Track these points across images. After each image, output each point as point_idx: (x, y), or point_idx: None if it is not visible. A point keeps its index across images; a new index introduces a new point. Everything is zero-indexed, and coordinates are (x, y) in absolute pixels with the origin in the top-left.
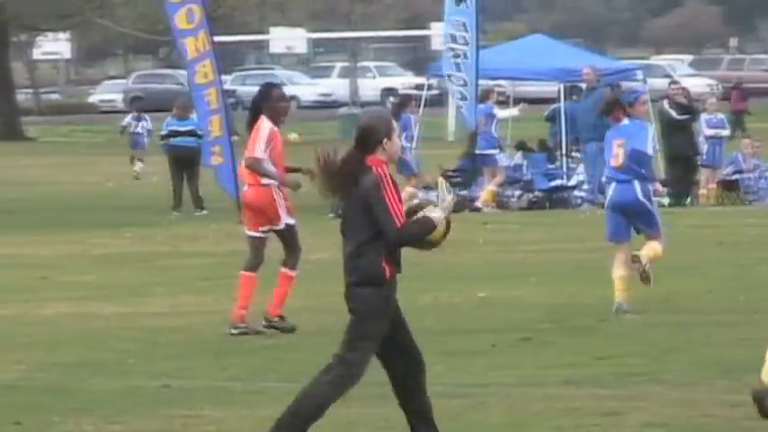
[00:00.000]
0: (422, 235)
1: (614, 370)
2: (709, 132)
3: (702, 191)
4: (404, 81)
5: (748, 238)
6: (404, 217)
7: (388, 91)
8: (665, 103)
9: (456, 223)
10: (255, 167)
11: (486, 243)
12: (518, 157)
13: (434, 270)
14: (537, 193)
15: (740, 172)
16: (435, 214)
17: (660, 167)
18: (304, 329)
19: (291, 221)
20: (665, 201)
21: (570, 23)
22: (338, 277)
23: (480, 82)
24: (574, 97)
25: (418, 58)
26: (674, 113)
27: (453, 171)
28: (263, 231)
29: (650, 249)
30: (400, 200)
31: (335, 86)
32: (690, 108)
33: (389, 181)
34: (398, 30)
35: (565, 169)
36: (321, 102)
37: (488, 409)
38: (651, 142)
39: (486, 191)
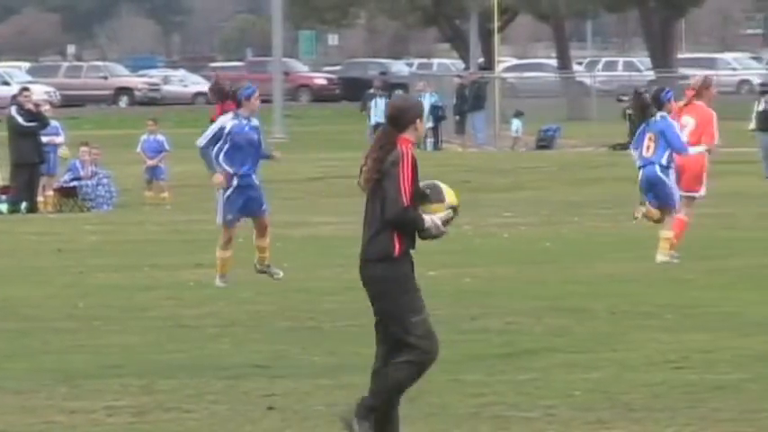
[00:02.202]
0: (413, 227)
1: None
2: (45, 140)
3: (40, 198)
4: None
5: (87, 245)
6: (412, 200)
7: None
8: (13, 110)
9: None
10: None
11: None
12: None
13: None
14: None
15: (78, 179)
16: (426, 218)
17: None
18: None
19: None
20: (3, 208)
21: None
22: None
23: None
24: None
25: None
26: (21, 120)
27: None
28: None
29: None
30: (414, 182)
31: None
32: (38, 115)
33: (410, 160)
34: None
35: None
36: None
37: None
38: (207, 134)
39: None
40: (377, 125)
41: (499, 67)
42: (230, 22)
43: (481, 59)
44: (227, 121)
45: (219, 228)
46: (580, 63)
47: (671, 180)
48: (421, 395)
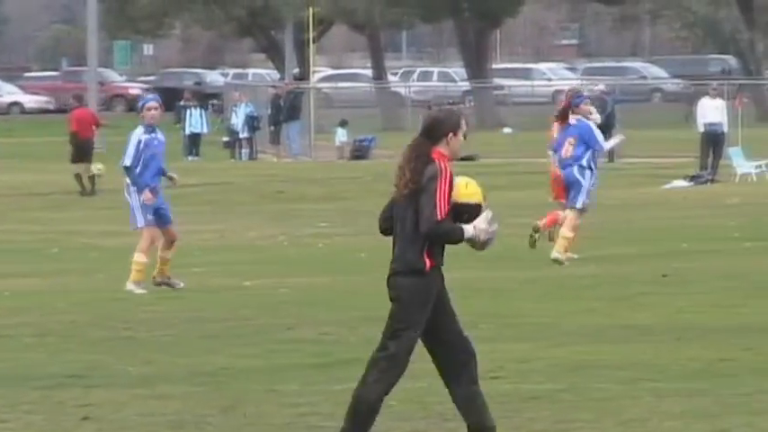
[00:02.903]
0: (448, 239)
1: None
2: None
3: None
4: None
5: None
6: (446, 214)
7: None
8: None
9: None
10: None
11: None
12: None
13: None
14: None
15: None
16: (468, 228)
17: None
18: None
19: None
20: None
21: None
22: None
23: None
24: None
25: None
26: None
27: None
28: None
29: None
30: (449, 198)
31: None
32: None
33: (448, 176)
34: None
35: None
36: None
37: None
38: (130, 152)
39: None
40: (192, 135)
41: (314, 78)
42: (45, 32)
43: (296, 70)
44: (140, 134)
45: (139, 231)
46: (395, 73)
47: (586, 181)
48: (237, 405)
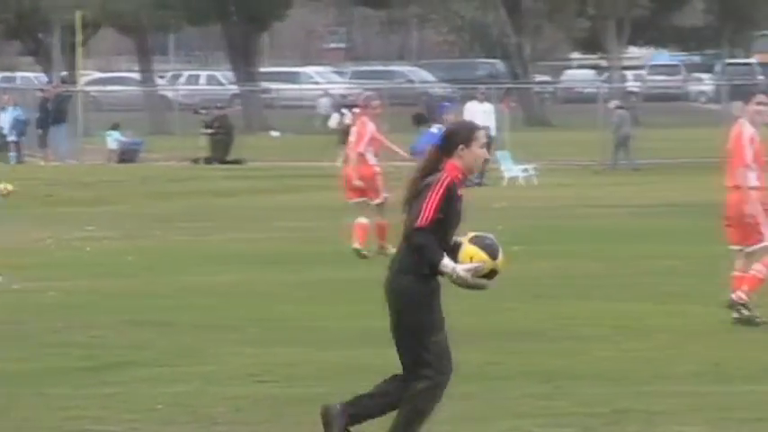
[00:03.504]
0: (422, 254)
1: None
2: None
3: None
4: None
5: None
6: (430, 223)
7: None
8: None
9: None
10: None
11: None
12: None
13: None
14: None
15: None
16: (449, 263)
17: None
18: None
19: None
20: None
21: None
22: None
23: None
24: None
25: None
26: None
27: None
28: None
29: None
30: (439, 209)
31: None
32: None
33: (443, 186)
34: None
35: None
36: None
37: None
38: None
39: None
40: None
41: (82, 81)
42: None
43: (64, 73)
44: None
45: None
46: (162, 76)
47: None
48: (5, 410)
